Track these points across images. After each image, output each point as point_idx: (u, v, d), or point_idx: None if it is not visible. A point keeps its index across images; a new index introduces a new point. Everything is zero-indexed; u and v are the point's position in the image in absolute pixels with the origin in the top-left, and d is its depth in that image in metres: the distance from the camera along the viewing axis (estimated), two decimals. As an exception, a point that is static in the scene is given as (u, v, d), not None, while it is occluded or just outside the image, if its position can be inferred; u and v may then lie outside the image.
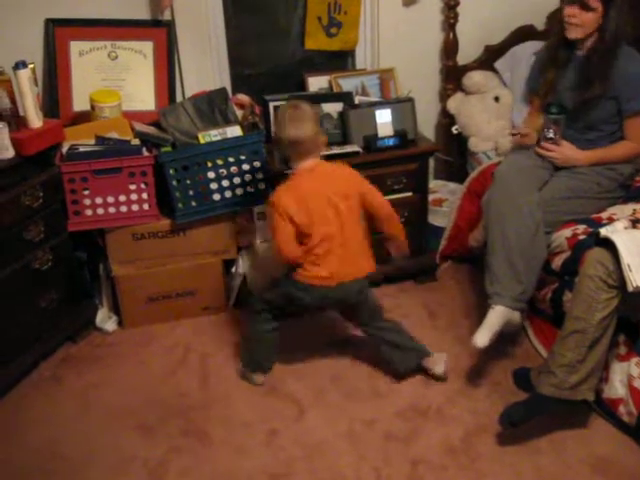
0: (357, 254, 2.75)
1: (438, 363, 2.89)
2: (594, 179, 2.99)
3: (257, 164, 3.15)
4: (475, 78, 3.77)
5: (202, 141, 3.12)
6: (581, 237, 2.81)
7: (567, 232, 2.88)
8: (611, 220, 2.83)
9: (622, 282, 2.39)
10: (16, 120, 2.83)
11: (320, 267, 2.69)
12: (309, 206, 2.63)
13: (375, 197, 2.77)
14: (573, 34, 2.96)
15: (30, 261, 2.93)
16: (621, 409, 2.59)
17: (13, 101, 2.83)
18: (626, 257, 2.36)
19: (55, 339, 3.15)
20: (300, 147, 2.62)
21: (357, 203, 2.72)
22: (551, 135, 3.02)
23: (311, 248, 2.67)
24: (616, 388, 2.60)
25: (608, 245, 2.44)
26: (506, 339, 2.91)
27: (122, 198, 3.09)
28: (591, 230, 2.79)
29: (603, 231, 2.49)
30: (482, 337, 2.75)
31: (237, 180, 3.15)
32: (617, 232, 2.47)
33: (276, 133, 2.69)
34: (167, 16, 3.43)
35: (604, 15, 2.88)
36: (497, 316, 2.79)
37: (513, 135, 3.27)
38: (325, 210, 2.65)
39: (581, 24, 2.92)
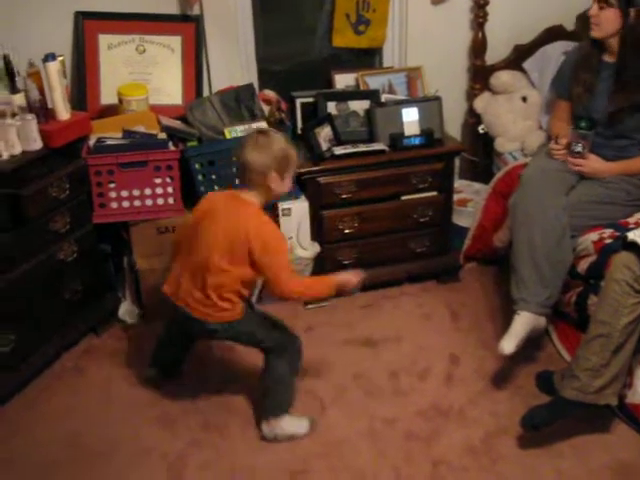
0: (211, 297, 2.49)
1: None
2: (623, 187, 2.97)
3: (282, 160, 3.15)
4: (503, 78, 3.74)
5: (228, 136, 3.12)
6: (608, 241, 2.78)
7: (593, 236, 2.85)
8: (638, 225, 2.80)
9: (649, 287, 2.37)
10: (44, 112, 2.84)
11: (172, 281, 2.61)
12: (200, 225, 2.53)
13: (268, 272, 2.46)
14: (594, 33, 2.96)
15: (55, 252, 2.94)
16: (644, 415, 2.57)
17: (42, 93, 2.85)
18: (654, 262, 2.34)
19: (78, 330, 3.17)
20: (245, 173, 2.46)
21: (239, 258, 2.45)
22: (579, 149, 2.99)
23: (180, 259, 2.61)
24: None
25: (635, 249, 2.42)
26: (530, 342, 2.88)
27: (147, 191, 3.10)
28: (618, 234, 2.77)
29: (631, 235, 2.47)
30: (509, 344, 2.73)
31: (262, 176, 3.15)
32: (645, 236, 2.44)
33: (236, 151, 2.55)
34: (196, 11, 3.43)
35: (624, 15, 2.85)
36: (523, 322, 2.78)
37: (557, 151, 3.09)
38: (209, 234, 2.48)
39: (599, 22, 2.91)
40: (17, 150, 2.74)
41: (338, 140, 3.34)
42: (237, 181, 2.59)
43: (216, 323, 2.53)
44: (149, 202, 3.12)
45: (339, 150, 3.26)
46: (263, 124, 3.15)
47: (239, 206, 2.48)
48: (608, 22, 2.89)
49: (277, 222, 3.23)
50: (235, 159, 2.52)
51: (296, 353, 2.66)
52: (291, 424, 2.64)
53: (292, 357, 2.64)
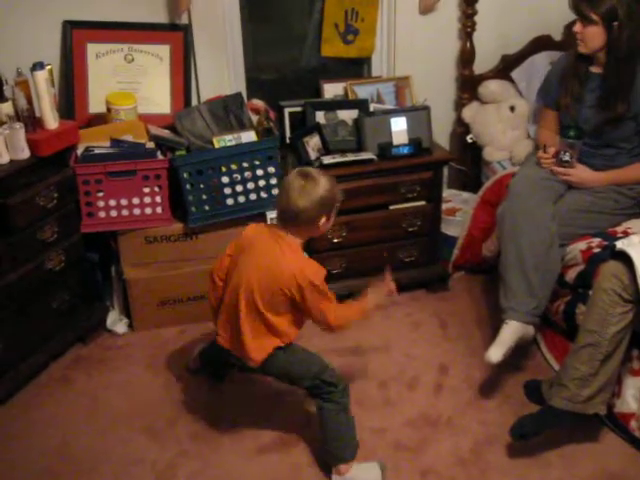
0: (242, 336, 2.41)
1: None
2: (611, 196, 2.98)
3: (271, 170, 3.15)
4: (491, 87, 3.75)
5: (217, 145, 3.12)
6: (596, 250, 2.79)
7: (582, 245, 2.86)
8: (626, 234, 2.81)
9: (637, 296, 2.38)
10: (32, 121, 2.84)
11: (219, 318, 2.55)
12: (239, 258, 2.45)
13: (310, 312, 2.40)
14: (581, 49, 2.97)
15: (43, 261, 2.93)
16: (633, 424, 2.58)
17: (30, 102, 2.85)
18: (642, 271, 2.35)
19: (66, 340, 3.15)
20: (294, 221, 2.34)
21: (273, 299, 2.37)
22: (567, 158, 3.00)
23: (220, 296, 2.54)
24: (628, 403, 2.59)
25: (624, 258, 2.42)
26: (518, 351, 2.89)
27: (135, 201, 3.10)
28: (606, 243, 2.78)
29: (619, 244, 2.48)
30: (496, 353, 2.73)
31: (251, 185, 3.15)
32: (633, 245, 2.45)
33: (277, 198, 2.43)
34: (184, 20, 3.43)
35: (608, 30, 2.86)
36: (511, 331, 2.78)
37: (545, 160, 3.09)
38: (246, 272, 2.40)
39: (584, 39, 2.92)
40: (5, 159, 2.74)
41: (327, 149, 3.34)
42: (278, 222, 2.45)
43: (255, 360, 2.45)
44: (137, 211, 3.12)
45: (328, 159, 3.26)
46: (252, 133, 3.15)
47: (281, 247, 2.37)
48: (593, 38, 2.90)
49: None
50: (279, 205, 2.36)
51: (344, 396, 2.51)
52: (363, 471, 2.50)
53: (339, 399, 2.49)
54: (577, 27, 2.93)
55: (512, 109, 3.72)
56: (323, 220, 2.37)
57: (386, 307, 2.67)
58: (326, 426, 2.50)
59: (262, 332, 2.41)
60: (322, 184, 2.32)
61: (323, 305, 2.38)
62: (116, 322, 3.33)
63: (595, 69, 3.02)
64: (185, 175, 3.07)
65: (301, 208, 2.29)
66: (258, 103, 3.47)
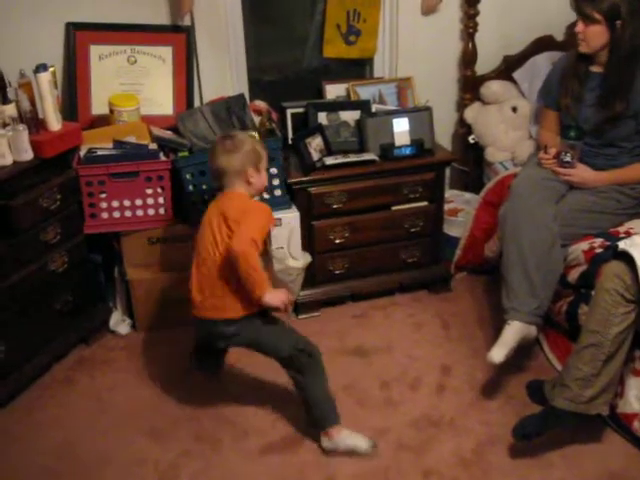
0: (217, 288, 2.53)
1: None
2: (613, 196, 2.98)
3: (274, 171, 3.15)
4: (493, 88, 3.76)
5: (219, 147, 3.12)
6: (598, 250, 2.79)
7: (584, 245, 2.87)
8: (629, 234, 2.81)
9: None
10: (35, 123, 2.84)
11: (192, 290, 2.62)
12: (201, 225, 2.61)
13: (236, 231, 2.46)
14: (582, 48, 2.97)
15: (46, 263, 2.94)
16: (636, 424, 2.58)
17: (33, 104, 2.85)
18: (644, 271, 2.35)
19: (69, 341, 3.16)
20: (224, 177, 2.55)
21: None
22: (568, 159, 3.00)
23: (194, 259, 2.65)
24: (631, 403, 2.59)
25: (626, 259, 2.42)
26: (520, 352, 2.89)
27: (138, 202, 3.10)
28: (608, 243, 2.78)
29: (621, 244, 2.48)
30: (498, 353, 2.74)
31: (253, 186, 3.16)
32: (635, 246, 2.44)
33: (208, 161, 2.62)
34: (187, 22, 3.43)
35: (610, 29, 2.87)
36: (513, 332, 2.79)
37: (546, 160, 3.09)
38: (207, 229, 2.56)
39: (586, 38, 2.92)
40: (8, 161, 2.74)
41: (329, 150, 3.34)
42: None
43: (230, 322, 2.54)
44: (140, 212, 3.12)
45: (330, 160, 3.27)
46: (254, 134, 3.15)
47: (228, 196, 2.56)
48: (595, 37, 2.90)
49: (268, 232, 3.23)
50: (210, 168, 2.62)
51: (318, 365, 2.61)
52: (352, 437, 2.61)
53: (315, 369, 2.60)
54: (579, 27, 2.93)
55: (514, 110, 3.72)
56: (251, 170, 2.53)
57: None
58: (310, 396, 2.60)
59: (231, 292, 2.51)
60: (243, 141, 2.55)
61: (248, 227, 2.44)
62: (119, 323, 3.34)
63: (595, 68, 3.02)
64: (188, 176, 3.07)
65: (224, 165, 2.51)
66: (260, 104, 3.48)
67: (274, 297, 2.47)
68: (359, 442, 2.60)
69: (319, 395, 2.60)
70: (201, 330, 2.70)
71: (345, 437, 2.59)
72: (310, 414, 2.64)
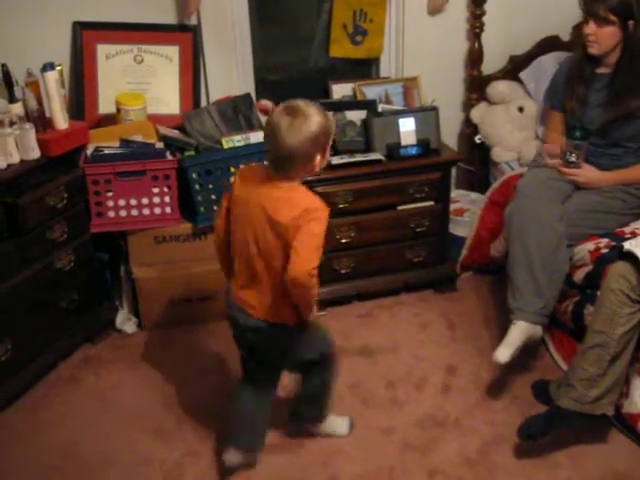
0: (262, 287, 2.26)
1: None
2: (619, 196, 2.98)
3: (280, 170, 3.15)
4: (499, 88, 3.75)
5: (225, 146, 3.13)
6: (604, 250, 2.79)
7: (590, 245, 2.86)
8: (634, 234, 2.80)
9: (645, 297, 2.38)
10: (43, 121, 2.85)
11: (237, 274, 2.33)
12: (238, 208, 2.25)
13: (294, 252, 2.09)
14: (593, 50, 2.95)
15: (52, 261, 2.95)
16: (641, 425, 2.58)
17: (40, 103, 2.86)
18: (650, 272, 2.35)
19: (75, 340, 3.17)
20: (285, 162, 2.12)
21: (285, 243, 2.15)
22: (573, 159, 3.00)
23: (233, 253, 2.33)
24: (636, 403, 2.58)
25: (631, 259, 2.42)
26: (526, 352, 2.89)
27: (145, 201, 3.11)
28: (614, 244, 2.77)
29: (627, 245, 2.48)
30: (504, 353, 2.73)
31: (259, 185, 3.16)
32: (641, 246, 2.45)
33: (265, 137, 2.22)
34: (193, 21, 3.44)
35: (623, 29, 2.86)
36: (519, 332, 2.78)
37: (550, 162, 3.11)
38: (246, 224, 2.21)
39: (598, 40, 2.92)
40: (15, 159, 2.75)
41: (335, 150, 3.34)
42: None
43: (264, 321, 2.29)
44: (146, 211, 3.13)
45: (336, 160, 3.27)
46: (260, 134, 3.15)
47: (277, 193, 2.16)
48: (608, 39, 2.89)
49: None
50: (269, 149, 2.15)
51: (334, 359, 2.55)
52: (334, 422, 2.68)
53: (333, 364, 2.56)
54: (590, 29, 2.91)
55: (520, 110, 3.72)
56: (318, 158, 2.15)
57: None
58: (318, 394, 2.57)
59: (275, 291, 2.25)
60: (314, 118, 2.09)
61: (316, 244, 2.11)
62: (125, 322, 3.35)
63: (602, 70, 3.02)
64: (194, 175, 3.08)
65: (291, 149, 2.06)
66: (267, 103, 3.48)
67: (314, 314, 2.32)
68: (340, 428, 2.69)
69: (328, 393, 2.59)
70: (237, 321, 2.38)
71: (328, 424, 2.67)
72: (306, 407, 2.62)
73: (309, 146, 2.09)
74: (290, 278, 2.10)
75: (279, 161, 2.13)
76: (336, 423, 2.70)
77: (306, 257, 2.09)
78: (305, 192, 2.19)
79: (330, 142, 2.20)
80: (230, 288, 2.39)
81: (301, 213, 2.10)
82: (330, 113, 2.24)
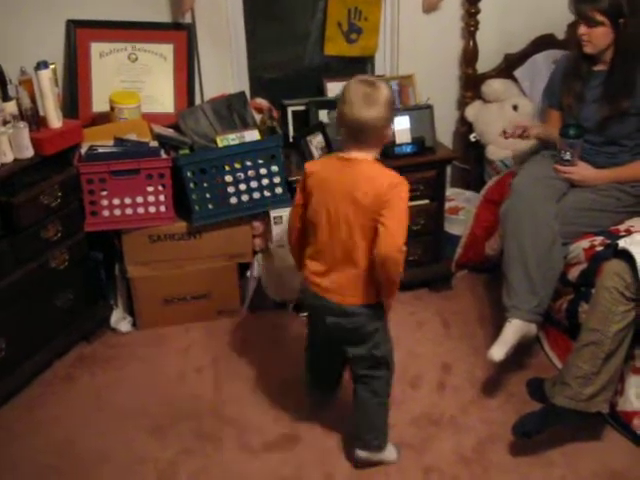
0: (347, 272, 2.29)
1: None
2: (614, 194, 2.98)
3: (274, 168, 3.15)
4: (494, 86, 3.76)
5: (220, 144, 3.12)
6: (598, 248, 2.79)
7: (584, 243, 2.86)
8: (629, 232, 2.81)
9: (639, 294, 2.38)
10: (36, 120, 2.84)
11: (318, 262, 2.34)
12: (324, 195, 2.28)
13: (384, 227, 2.18)
14: (587, 49, 2.96)
15: (47, 260, 2.94)
16: (635, 422, 2.58)
17: (34, 101, 2.85)
18: (644, 270, 2.35)
19: (70, 339, 3.16)
20: (361, 134, 2.19)
21: (371, 220, 2.22)
22: (568, 157, 2.99)
23: (315, 240, 2.34)
24: (631, 401, 2.59)
25: (626, 257, 2.43)
26: (521, 350, 2.90)
27: (139, 200, 3.10)
28: (608, 242, 2.78)
29: (621, 243, 2.48)
30: (498, 351, 2.74)
31: (254, 184, 3.15)
32: (635, 244, 2.45)
33: (339, 109, 2.24)
34: (188, 19, 3.44)
35: (615, 28, 2.87)
36: (514, 330, 2.79)
37: (508, 138, 3.20)
38: (340, 208, 2.25)
39: (591, 40, 2.92)
40: (9, 158, 2.74)
41: (330, 148, 3.34)
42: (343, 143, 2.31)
43: (355, 305, 2.31)
44: (141, 210, 3.12)
45: (331, 158, 3.26)
46: (255, 132, 3.15)
47: (356, 167, 2.23)
48: (600, 38, 2.89)
49: (269, 230, 3.23)
50: (346, 119, 2.19)
51: (389, 386, 2.51)
52: (387, 450, 2.56)
53: (390, 383, 2.51)
54: (582, 29, 2.92)
55: (515, 108, 3.72)
56: (389, 130, 2.27)
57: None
58: (374, 413, 2.49)
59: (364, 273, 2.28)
60: (384, 89, 2.20)
61: (401, 220, 2.21)
62: (120, 321, 3.34)
63: (598, 67, 3.02)
64: (189, 174, 3.07)
65: (368, 120, 2.16)
66: (261, 102, 3.48)
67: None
68: (392, 455, 2.56)
69: (381, 418, 2.52)
70: (318, 309, 2.40)
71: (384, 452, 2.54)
72: (361, 431, 2.51)
73: (384, 116, 2.18)
74: (381, 255, 2.16)
75: (355, 132, 2.20)
76: (388, 450, 2.57)
77: (396, 232, 2.17)
78: (383, 168, 2.26)
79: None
80: (309, 278, 2.39)
81: (386, 189, 2.17)
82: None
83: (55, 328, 3.06)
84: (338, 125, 2.28)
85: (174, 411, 2.85)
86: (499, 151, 3.70)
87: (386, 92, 2.20)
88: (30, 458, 2.64)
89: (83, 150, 3.06)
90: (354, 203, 2.21)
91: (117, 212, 3.10)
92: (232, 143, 3.12)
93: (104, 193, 3.07)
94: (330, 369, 2.69)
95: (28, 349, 2.95)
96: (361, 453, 2.52)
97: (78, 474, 2.57)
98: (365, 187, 2.20)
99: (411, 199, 3.31)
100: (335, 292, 2.32)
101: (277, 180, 3.18)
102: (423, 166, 3.36)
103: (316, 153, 3.27)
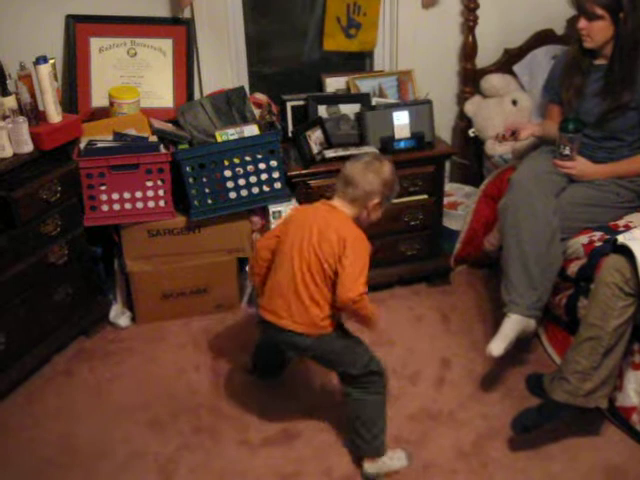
0: (303, 301, 2.40)
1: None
2: (613, 189, 2.98)
3: (274, 163, 3.15)
4: (493, 81, 3.76)
5: (219, 139, 3.12)
6: (597, 244, 2.79)
7: (583, 238, 2.87)
8: (628, 227, 2.81)
9: (639, 289, 2.38)
10: (36, 115, 2.84)
11: (277, 295, 2.46)
12: (289, 228, 2.49)
13: (342, 280, 2.33)
14: (588, 44, 2.96)
15: (46, 255, 2.94)
16: (634, 418, 2.58)
17: (33, 96, 2.85)
18: (643, 265, 2.35)
19: (69, 333, 3.16)
20: (349, 189, 2.43)
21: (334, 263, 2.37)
22: (567, 152, 2.99)
23: (276, 273, 2.48)
24: (630, 397, 2.59)
25: (625, 252, 2.43)
26: (520, 345, 2.90)
27: (138, 194, 3.10)
28: (608, 237, 2.78)
29: (620, 238, 2.48)
30: (497, 346, 2.74)
31: (253, 179, 3.15)
32: (635, 239, 2.45)
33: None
34: (187, 14, 3.43)
35: (615, 22, 2.86)
36: (512, 325, 2.79)
37: (502, 141, 3.27)
38: (297, 238, 2.43)
39: (590, 34, 2.92)
40: (8, 153, 2.74)
41: (329, 143, 3.34)
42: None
43: (307, 336, 2.42)
44: (140, 205, 3.12)
45: (330, 153, 3.27)
46: (254, 127, 3.15)
47: (337, 215, 2.45)
48: (599, 32, 2.89)
49: (267, 224, 3.23)
50: (344, 173, 2.48)
51: (384, 386, 2.54)
52: (392, 458, 2.53)
53: (380, 390, 2.51)
54: (582, 23, 2.92)
55: (514, 103, 3.72)
56: (376, 201, 2.45)
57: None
58: (369, 416, 2.48)
59: (315, 305, 2.40)
60: (388, 168, 2.47)
61: (357, 273, 2.34)
62: (119, 315, 3.34)
63: (599, 61, 3.01)
64: (188, 169, 3.07)
65: (360, 179, 2.41)
66: (261, 97, 3.48)
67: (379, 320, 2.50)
68: (400, 461, 2.53)
69: (378, 416, 2.50)
70: (270, 335, 2.57)
71: (387, 459, 2.51)
72: (360, 435, 2.49)
73: (375, 186, 2.43)
74: (342, 298, 2.33)
75: (346, 185, 2.45)
76: (394, 458, 2.53)
77: (356, 274, 2.34)
78: (354, 226, 2.45)
79: (388, 200, 2.52)
80: (266, 307, 2.52)
81: (352, 241, 2.37)
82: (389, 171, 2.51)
83: (54, 323, 3.06)
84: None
85: (173, 406, 2.85)
86: (498, 146, 3.70)
87: (388, 171, 2.47)
88: (29, 452, 2.65)
89: (82, 145, 3.06)
90: (324, 243, 2.38)
91: (116, 207, 3.10)
92: (231, 138, 3.12)
93: (103, 188, 3.06)
94: (276, 361, 2.89)
95: (27, 344, 2.95)
96: (368, 468, 2.50)
97: (77, 468, 2.58)
98: (336, 232, 2.38)
99: (410, 194, 3.37)
100: (292, 323, 2.43)
101: (276, 175, 3.18)
102: (422, 161, 3.36)
103: (315, 148, 3.26)
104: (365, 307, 2.38)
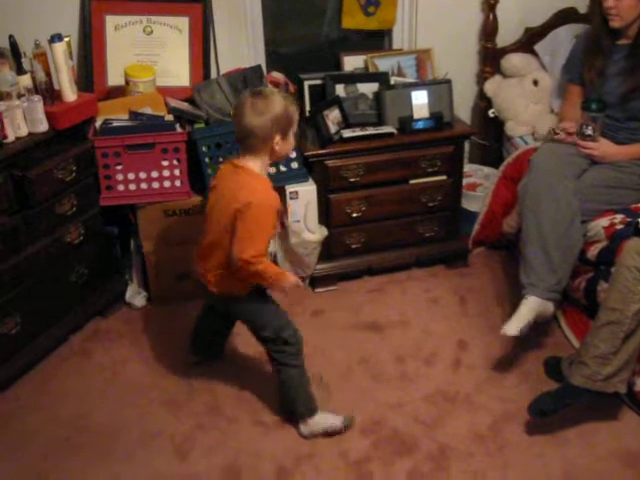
0: (211, 267, 2.48)
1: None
2: (635, 171, 2.94)
3: (290, 143, 3.12)
4: (514, 61, 3.70)
5: (236, 119, 3.09)
6: (619, 227, 2.76)
7: (604, 221, 2.83)
8: (650, 210, 2.78)
9: (660, 274, 2.35)
10: (51, 94, 2.83)
11: (202, 257, 2.54)
12: (211, 194, 2.49)
13: (234, 241, 2.34)
14: (615, 23, 2.92)
15: (62, 235, 2.94)
16: (653, 403, 2.56)
17: (48, 74, 2.83)
18: (665, 248, 2.32)
19: (85, 313, 3.17)
20: (246, 139, 2.33)
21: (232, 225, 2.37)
22: (589, 132, 2.95)
23: (202, 238, 2.53)
24: (649, 382, 2.57)
25: (647, 235, 2.39)
26: (537, 328, 2.87)
27: (154, 174, 3.09)
28: (629, 220, 2.74)
29: (642, 221, 2.45)
30: (512, 326, 2.72)
31: (270, 159, 3.13)
32: (656, 222, 2.42)
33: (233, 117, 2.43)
34: (204, -8, 3.40)
35: None
36: (530, 307, 2.76)
37: (556, 136, 3.11)
38: (215, 208, 2.45)
39: (619, 13, 2.87)
40: (23, 132, 2.73)
41: (346, 123, 3.31)
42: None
43: (225, 298, 2.53)
44: (156, 185, 3.11)
45: (347, 133, 3.24)
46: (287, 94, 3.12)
47: (239, 175, 2.37)
48: (629, 10, 2.85)
49: (285, 205, 3.21)
50: (233, 125, 2.39)
51: (298, 358, 2.58)
52: (325, 419, 2.60)
53: (295, 354, 2.56)
54: (610, 2, 2.87)
55: (535, 83, 3.67)
56: (277, 139, 2.33)
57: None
58: (288, 389, 2.58)
59: (224, 268, 2.46)
60: (275, 101, 2.31)
61: (248, 237, 2.32)
62: (135, 295, 3.34)
63: (622, 41, 2.97)
64: (204, 148, 3.06)
65: (250, 126, 2.29)
66: (278, 76, 3.45)
67: (289, 283, 2.44)
68: (333, 422, 2.60)
69: (298, 383, 2.58)
70: (207, 298, 2.71)
71: (318, 420, 2.59)
72: (285, 399, 2.64)
73: (268, 126, 2.29)
74: (234, 258, 2.35)
75: (240, 138, 2.36)
76: (328, 418, 2.62)
77: (246, 239, 2.32)
78: (256, 183, 2.37)
79: (293, 128, 2.38)
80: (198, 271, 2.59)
81: (242, 205, 2.30)
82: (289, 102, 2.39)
83: (70, 303, 3.07)
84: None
85: (189, 386, 2.85)
86: (518, 127, 3.66)
87: (276, 103, 2.31)
88: (45, 431, 2.66)
89: (98, 124, 3.05)
90: (225, 207, 2.37)
91: (132, 187, 3.09)
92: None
93: (119, 167, 3.05)
94: (214, 336, 2.93)
95: (43, 324, 2.96)
96: (301, 428, 2.61)
97: (93, 447, 2.59)
98: (234, 196, 2.34)
99: (428, 175, 3.34)
100: (211, 284, 2.51)
101: (293, 155, 3.16)
102: (441, 141, 3.32)
103: (332, 127, 3.23)
104: (258, 271, 2.34)
